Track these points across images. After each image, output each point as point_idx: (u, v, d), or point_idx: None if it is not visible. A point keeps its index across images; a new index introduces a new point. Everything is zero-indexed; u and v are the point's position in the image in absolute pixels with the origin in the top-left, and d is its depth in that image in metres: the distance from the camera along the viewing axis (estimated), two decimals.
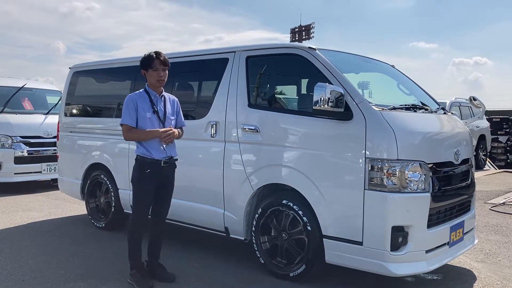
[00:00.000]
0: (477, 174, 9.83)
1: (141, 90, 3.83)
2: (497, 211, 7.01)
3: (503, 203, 7.57)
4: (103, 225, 5.66)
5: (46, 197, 8.09)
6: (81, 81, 6.39)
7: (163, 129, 3.72)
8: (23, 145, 8.53)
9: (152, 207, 3.89)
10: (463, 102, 12.04)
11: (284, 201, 3.93)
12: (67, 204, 7.39)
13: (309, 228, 3.75)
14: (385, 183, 3.39)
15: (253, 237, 4.15)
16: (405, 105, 3.97)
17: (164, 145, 3.76)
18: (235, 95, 4.32)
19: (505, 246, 5.19)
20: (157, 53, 3.75)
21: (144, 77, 3.83)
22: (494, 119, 15.72)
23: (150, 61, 3.72)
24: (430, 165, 3.57)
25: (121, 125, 3.74)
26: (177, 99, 4.03)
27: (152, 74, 3.73)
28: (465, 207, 4.13)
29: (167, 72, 3.80)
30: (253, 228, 4.14)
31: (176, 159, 3.92)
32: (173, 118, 3.89)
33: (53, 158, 8.42)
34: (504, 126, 15.77)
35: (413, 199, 3.46)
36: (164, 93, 3.89)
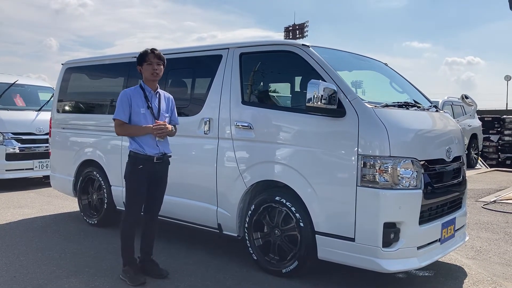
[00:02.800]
0: (469, 173, 9.91)
1: (136, 86, 3.84)
2: (489, 209, 7.07)
3: (494, 201, 7.64)
4: (96, 222, 5.64)
5: (38, 194, 8.04)
6: (74, 78, 6.35)
7: (155, 124, 3.72)
8: (14, 142, 8.48)
9: (145, 203, 3.89)
10: (455, 101, 12.12)
11: (277, 198, 3.94)
12: (59, 201, 7.35)
13: (301, 224, 3.77)
14: (377, 180, 3.41)
15: (246, 234, 4.15)
16: (398, 102, 4.00)
17: (158, 141, 3.76)
18: (229, 92, 4.31)
19: (496, 243, 5.24)
20: (152, 49, 3.78)
21: (140, 74, 3.84)
22: (486, 119, 15.86)
23: (145, 55, 3.75)
24: (422, 162, 3.59)
25: (114, 119, 3.75)
26: (172, 96, 4.02)
27: (147, 68, 3.74)
28: (456, 204, 4.16)
29: (162, 67, 3.80)
30: (246, 225, 4.15)
31: (170, 156, 3.92)
32: (167, 115, 3.89)
33: (45, 155, 8.38)
34: (496, 126, 15.91)
35: (405, 196, 3.48)
36: (159, 90, 3.89)
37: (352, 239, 3.51)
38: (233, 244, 4.71)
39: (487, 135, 15.40)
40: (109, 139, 5.42)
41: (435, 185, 3.71)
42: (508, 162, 15.32)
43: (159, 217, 4.08)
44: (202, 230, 4.63)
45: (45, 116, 8.44)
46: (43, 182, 8.99)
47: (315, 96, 3.48)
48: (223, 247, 4.80)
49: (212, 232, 4.51)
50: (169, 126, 3.82)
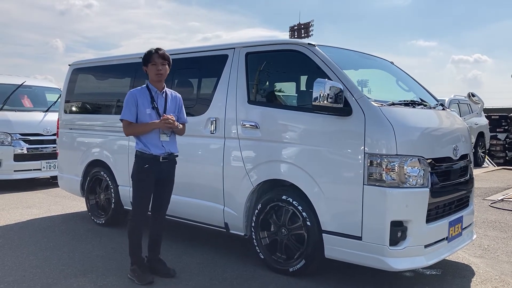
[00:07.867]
0: (476, 171, 9.86)
1: (142, 86, 3.86)
2: (496, 208, 7.03)
3: (502, 200, 7.60)
4: (103, 221, 5.68)
5: (46, 194, 8.10)
6: (81, 78, 6.40)
7: (162, 117, 3.73)
8: (22, 143, 8.54)
9: (152, 202, 3.91)
10: (462, 99, 12.06)
11: (283, 197, 3.94)
12: (67, 201, 7.40)
13: (308, 223, 3.77)
14: (384, 178, 3.41)
15: (253, 233, 4.16)
16: (404, 101, 3.99)
17: (163, 141, 3.78)
18: (235, 92, 4.33)
19: (503, 242, 5.21)
20: (157, 49, 3.80)
21: (146, 74, 3.86)
22: (493, 117, 15.77)
23: (149, 56, 3.77)
24: (428, 161, 3.59)
25: (121, 120, 3.78)
26: (180, 95, 4.04)
27: (151, 69, 3.77)
28: (463, 203, 4.15)
29: (167, 67, 3.82)
30: (253, 224, 4.16)
31: (177, 155, 3.93)
32: (174, 114, 3.91)
33: (53, 155, 8.43)
34: (503, 124, 15.83)
35: (412, 194, 3.47)
36: (166, 89, 3.91)
37: (359, 238, 3.51)
38: (239, 243, 4.73)
39: (494, 134, 15.32)
40: (116, 139, 5.45)
41: (442, 184, 3.70)
42: None
43: (167, 217, 4.10)
44: (209, 229, 4.65)
45: (53, 117, 8.51)
46: (51, 182, 9.06)
47: (321, 95, 3.48)
48: (230, 246, 4.82)
49: (219, 232, 4.53)
50: (176, 123, 3.83)
